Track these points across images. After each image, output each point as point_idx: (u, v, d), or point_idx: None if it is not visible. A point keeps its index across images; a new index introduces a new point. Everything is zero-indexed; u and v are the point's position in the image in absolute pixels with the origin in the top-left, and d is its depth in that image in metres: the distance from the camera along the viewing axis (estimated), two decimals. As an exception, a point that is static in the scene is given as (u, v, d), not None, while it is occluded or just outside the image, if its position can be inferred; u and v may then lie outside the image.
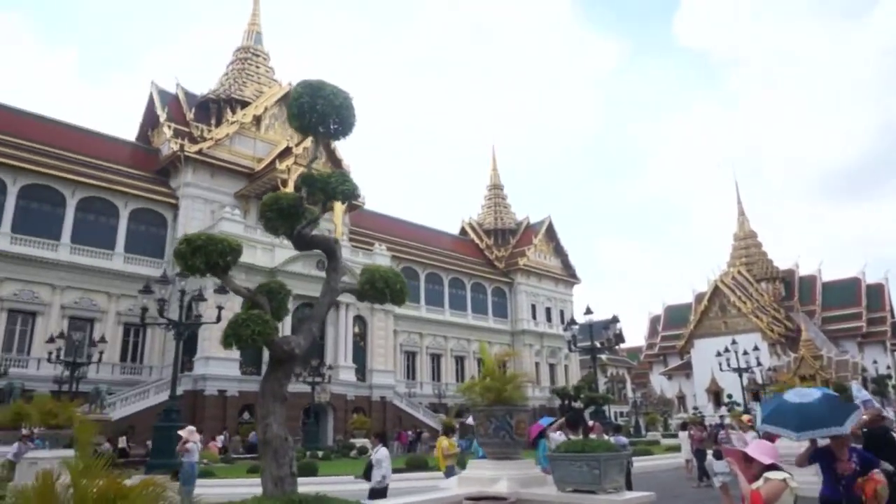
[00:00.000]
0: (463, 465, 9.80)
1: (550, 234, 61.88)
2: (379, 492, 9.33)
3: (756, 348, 34.59)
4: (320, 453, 25.58)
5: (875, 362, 54.39)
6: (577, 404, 24.65)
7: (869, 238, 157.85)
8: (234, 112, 42.50)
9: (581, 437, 8.42)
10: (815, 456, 5.29)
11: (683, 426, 20.69)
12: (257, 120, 42.69)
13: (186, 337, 21.56)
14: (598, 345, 23.76)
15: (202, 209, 38.18)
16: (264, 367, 9.31)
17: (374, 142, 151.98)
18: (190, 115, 42.12)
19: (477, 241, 61.06)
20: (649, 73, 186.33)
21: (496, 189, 66.04)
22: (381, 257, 40.07)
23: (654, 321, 77.87)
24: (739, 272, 66.29)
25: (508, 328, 55.17)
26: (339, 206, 37.60)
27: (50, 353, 24.75)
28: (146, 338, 34.94)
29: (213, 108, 43.80)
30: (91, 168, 35.58)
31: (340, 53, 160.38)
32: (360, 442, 29.12)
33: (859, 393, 8.14)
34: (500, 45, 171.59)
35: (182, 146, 38.11)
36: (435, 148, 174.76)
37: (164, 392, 26.67)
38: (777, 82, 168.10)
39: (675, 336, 68.55)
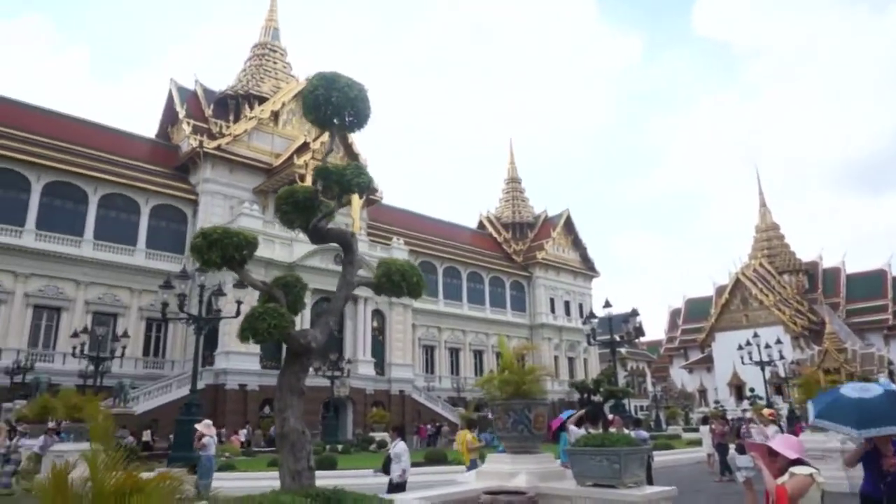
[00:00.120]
0: (483, 459, 9.77)
1: (569, 227, 61.41)
2: (398, 486, 9.31)
3: (779, 341, 34.08)
4: (340, 447, 25.79)
5: (902, 355, 53.53)
6: (597, 398, 24.48)
7: (894, 230, 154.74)
8: (251, 108, 42.81)
9: (601, 431, 8.35)
10: (865, 455, 5.09)
11: (705, 420, 20.50)
12: (275, 115, 42.95)
13: (207, 332, 21.81)
14: (618, 338, 23.57)
15: (221, 205, 38.55)
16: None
17: (392, 138, 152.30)
18: (209, 112, 42.47)
19: (495, 234, 60.90)
20: (667, 65, 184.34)
21: (514, 182, 65.70)
22: (399, 251, 40.12)
23: (675, 314, 77.27)
24: (761, 264, 65.41)
25: (527, 322, 54.98)
26: (356, 201, 37.68)
27: (74, 348, 25.23)
28: (168, 333, 35.38)
29: (231, 105, 44.18)
30: (112, 165, 36.06)
31: (357, 48, 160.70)
32: (379, 436, 29.28)
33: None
34: (518, 41, 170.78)
35: (201, 142, 38.50)
36: (453, 143, 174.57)
37: (185, 386, 27.03)
38: (799, 73, 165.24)
39: (696, 329, 67.94)
